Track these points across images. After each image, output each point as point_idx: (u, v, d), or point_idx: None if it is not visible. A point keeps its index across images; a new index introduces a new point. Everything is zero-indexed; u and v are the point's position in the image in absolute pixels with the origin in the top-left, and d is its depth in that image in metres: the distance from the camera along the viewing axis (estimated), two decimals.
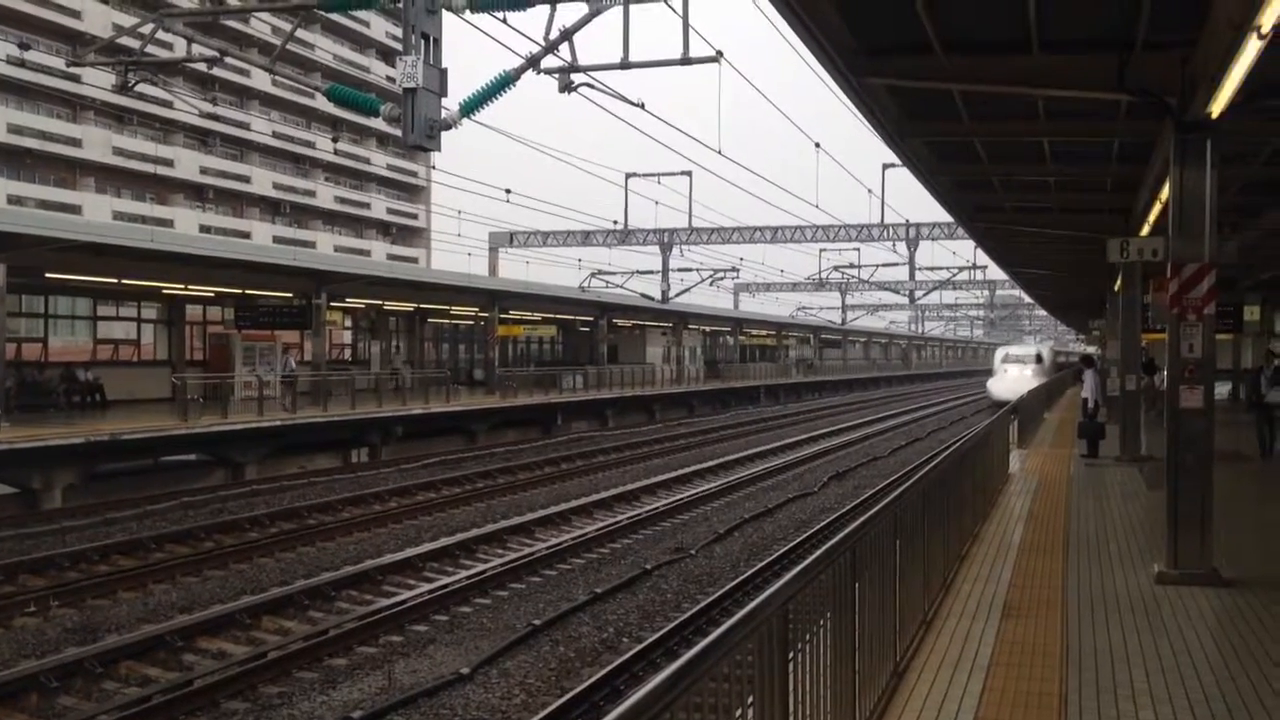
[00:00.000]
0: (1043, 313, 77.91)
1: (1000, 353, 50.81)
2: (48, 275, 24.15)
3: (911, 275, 47.94)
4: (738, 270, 51.43)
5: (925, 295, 65.61)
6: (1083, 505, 12.86)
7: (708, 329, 63.52)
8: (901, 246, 45.11)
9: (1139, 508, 12.65)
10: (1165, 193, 10.34)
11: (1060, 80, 9.37)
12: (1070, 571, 8.90)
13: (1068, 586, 8.34)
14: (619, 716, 2.33)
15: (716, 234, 45.41)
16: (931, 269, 56.29)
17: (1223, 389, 27.05)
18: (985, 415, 30.94)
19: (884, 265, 52.65)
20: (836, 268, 56.52)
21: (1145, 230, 15.38)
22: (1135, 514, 12.20)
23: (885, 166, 39.16)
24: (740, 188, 30.88)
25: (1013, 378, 42.73)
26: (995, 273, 48.36)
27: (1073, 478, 15.62)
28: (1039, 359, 46.89)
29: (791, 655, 3.82)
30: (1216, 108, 7.90)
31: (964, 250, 51.93)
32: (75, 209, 53.80)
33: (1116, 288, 21.26)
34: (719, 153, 24.19)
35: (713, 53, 16.78)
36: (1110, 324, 26.53)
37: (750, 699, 3.51)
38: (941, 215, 27.85)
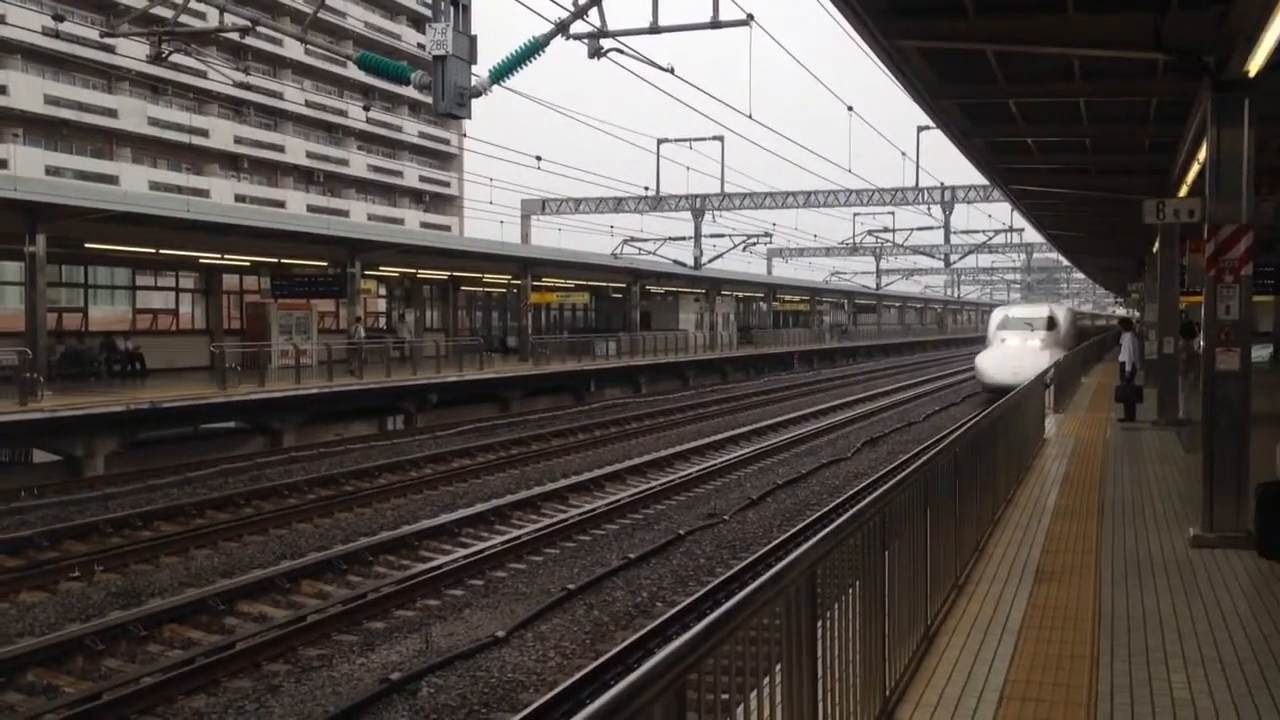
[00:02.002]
0: (1081, 276, 77.08)
1: (997, 315, 37.53)
2: (87, 245, 24.45)
3: (947, 239, 47.54)
4: (770, 235, 51.22)
5: (961, 259, 65.00)
6: (1118, 469, 12.79)
7: (741, 295, 63.35)
8: (936, 210, 44.75)
9: (1175, 471, 12.57)
10: (1202, 153, 10.20)
11: (1095, 39, 9.24)
12: (1105, 535, 8.88)
13: (1102, 550, 8.32)
14: (641, 677, 2.36)
15: (749, 199, 45.19)
16: (967, 232, 55.80)
17: (1262, 352, 26.50)
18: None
19: (919, 229, 52.30)
20: (871, 232, 56.18)
21: (1183, 191, 15.18)
22: (1171, 478, 12.13)
23: (920, 129, 38.82)
24: (772, 152, 30.75)
25: (1013, 351, 31.59)
26: (1032, 235, 47.48)
27: (1109, 442, 15.53)
28: (1050, 323, 34.27)
29: (820, 618, 3.85)
30: (1254, 66, 7.78)
31: (1000, 213, 51.47)
32: (112, 179, 54.27)
33: (1154, 250, 21.01)
34: (750, 117, 24.06)
35: (743, 16, 16.66)
36: (1148, 286, 26.24)
37: (779, 662, 3.55)
38: (977, 178, 27.59)
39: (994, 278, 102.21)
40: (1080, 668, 5.54)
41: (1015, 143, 16.09)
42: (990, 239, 55.49)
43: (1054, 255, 60.89)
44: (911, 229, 53.20)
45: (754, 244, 49.69)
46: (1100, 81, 11.80)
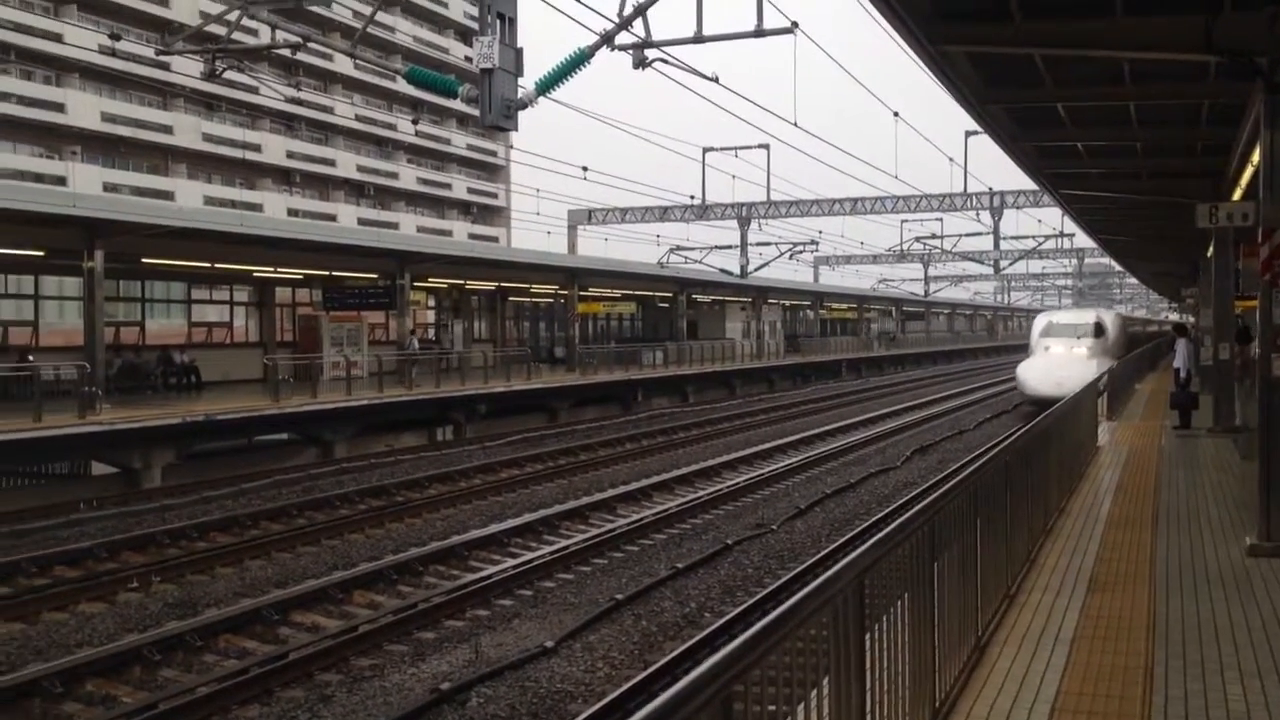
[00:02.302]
0: (1134, 281, 75.99)
1: (1040, 321, 34.62)
2: (144, 260, 24.89)
3: (996, 244, 47.17)
4: (817, 243, 51.06)
5: (1011, 265, 64.39)
6: (1174, 477, 12.60)
7: (787, 303, 63.14)
8: (985, 215, 44.37)
9: (1231, 479, 12.35)
10: (1256, 156, 10.04)
11: (1145, 42, 9.14)
12: (1159, 544, 8.75)
13: (1156, 559, 8.20)
14: (687, 687, 2.38)
15: (795, 207, 45.09)
16: (1017, 238, 55.30)
17: None
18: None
19: (967, 235, 51.90)
20: (918, 239, 55.79)
21: (1237, 194, 14.95)
22: (1228, 485, 11.93)
23: (967, 134, 38.49)
24: (818, 160, 30.59)
25: (1058, 360, 29.81)
26: (1083, 240, 46.87)
27: (1164, 449, 15.30)
28: (1098, 330, 31.93)
29: (869, 629, 3.84)
30: None
31: (1050, 218, 50.88)
32: (168, 195, 55.26)
33: (1209, 254, 20.68)
34: (795, 125, 24.00)
35: (787, 24, 16.64)
36: (1203, 291, 25.80)
37: (827, 674, 3.54)
38: (1026, 182, 27.37)
39: (1045, 283, 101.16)
40: (1134, 679, 5.47)
41: (1064, 147, 15.95)
42: (1040, 244, 54.95)
43: (1106, 260, 60.14)
44: (960, 235, 52.82)
45: (800, 252, 49.56)
46: (1150, 84, 11.68)
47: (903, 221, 53.46)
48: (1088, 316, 33.82)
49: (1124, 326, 36.20)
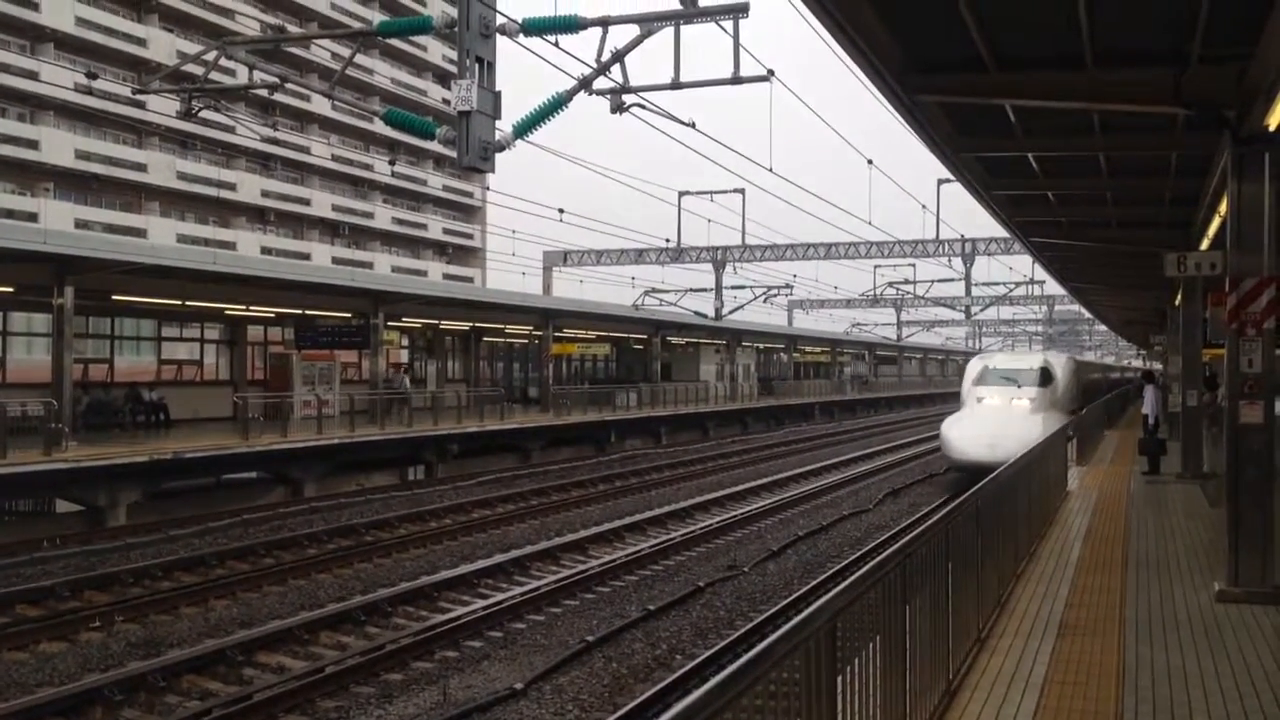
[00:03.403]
0: (1104, 328, 76.78)
1: (974, 366, 28.21)
2: (114, 297, 24.71)
3: (968, 291, 47.57)
4: (791, 287, 51.40)
5: (982, 311, 64.98)
6: (1143, 522, 12.67)
7: (761, 346, 63.37)
8: (957, 262, 44.90)
9: (1201, 525, 12.44)
10: (1224, 206, 10.21)
11: (1115, 94, 9.31)
12: (1129, 589, 8.79)
13: (1126, 604, 8.23)
14: None
15: (770, 251, 45.39)
16: (988, 284, 55.82)
17: None
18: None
19: (940, 281, 52.37)
20: (891, 284, 56.25)
21: (1205, 244, 15.16)
22: (1197, 531, 12.00)
23: (940, 182, 39.01)
24: (793, 205, 30.87)
25: (993, 416, 24.19)
26: (1054, 288, 47.43)
27: (1133, 495, 15.40)
28: (1045, 378, 26.06)
29: (840, 672, 3.83)
30: (1275, 120, 7.82)
31: (1021, 265, 51.45)
32: (140, 232, 54.97)
33: (1177, 302, 20.95)
34: (771, 170, 24.21)
35: (764, 72, 16.83)
36: (1171, 339, 26.10)
37: (798, 717, 3.52)
38: (998, 230, 27.63)
39: (1016, 330, 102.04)
40: None
41: (1035, 196, 16.15)
42: (1011, 291, 55.50)
43: (1076, 307, 60.77)
44: (932, 281, 53.28)
45: (775, 295, 49.89)
46: (1120, 135, 11.87)
47: (876, 266, 53.96)
48: (1032, 361, 27.58)
49: (1078, 373, 30.16)
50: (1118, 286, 29.25)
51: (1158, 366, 40.74)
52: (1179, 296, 20.09)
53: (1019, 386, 25.60)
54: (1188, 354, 18.95)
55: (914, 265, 51.60)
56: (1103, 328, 76.40)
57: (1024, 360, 27.97)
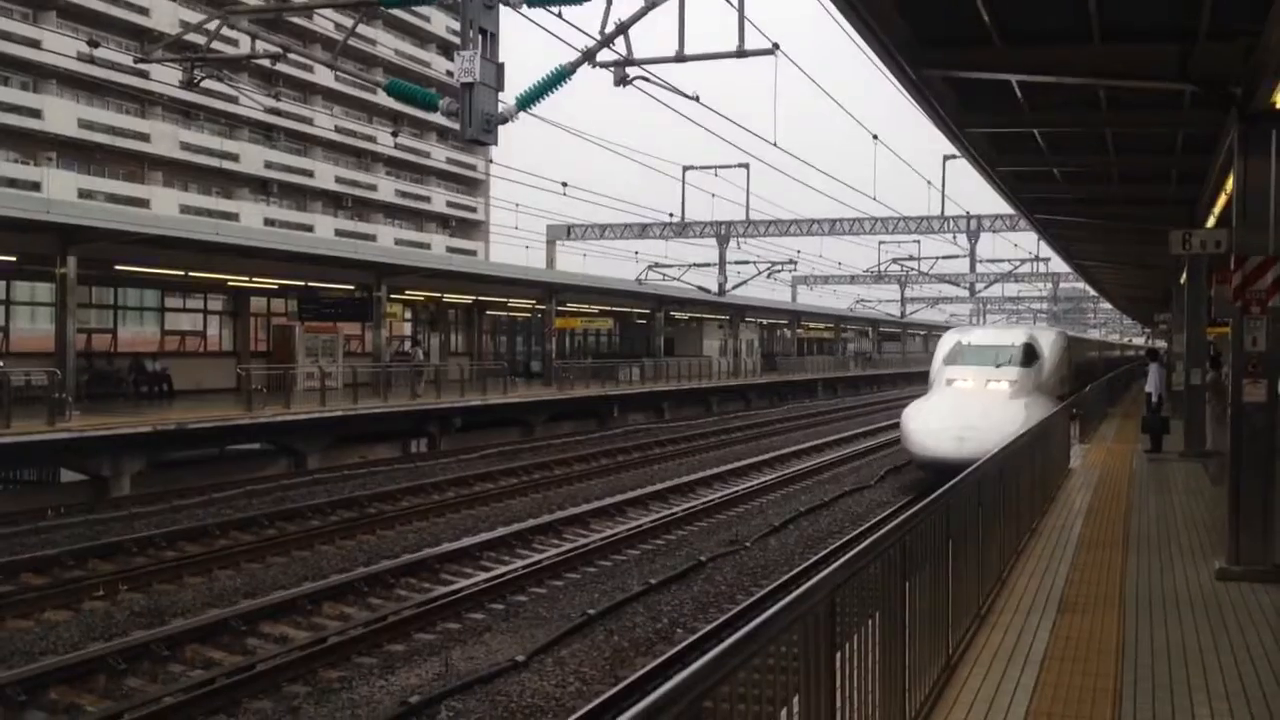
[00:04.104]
0: (1108, 306, 76.65)
1: (947, 342, 24.45)
2: (117, 267, 24.70)
3: (972, 268, 47.42)
4: (795, 263, 51.27)
5: (986, 288, 64.80)
6: (1144, 500, 12.69)
7: (765, 322, 63.31)
8: (962, 239, 44.72)
9: (1202, 503, 12.45)
10: (1230, 184, 10.17)
11: (1121, 70, 9.25)
12: (1130, 567, 8.81)
13: (1127, 582, 8.25)
14: (657, 701, 2.37)
15: (774, 226, 45.26)
16: (993, 261, 55.68)
17: None
18: None
19: (944, 257, 52.23)
20: (896, 260, 56.11)
21: (1211, 222, 15.12)
22: (1198, 509, 12.02)
23: (946, 158, 38.77)
24: (798, 180, 30.80)
25: (964, 402, 20.67)
26: (1059, 265, 47.23)
27: (1135, 473, 15.41)
28: (1028, 356, 22.37)
29: (839, 647, 3.84)
30: None
31: (1026, 242, 51.34)
32: (144, 203, 54.92)
33: (1182, 280, 20.89)
34: (775, 145, 24.11)
35: (769, 45, 16.72)
36: (1175, 317, 26.05)
37: (797, 692, 3.53)
38: (1003, 207, 27.53)
39: (1020, 307, 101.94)
40: (1103, 700, 5.50)
41: (1041, 172, 16.08)
42: (1016, 268, 55.34)
43: (1081, 285, 60.67)
44: (937, 257, 53.19)
45: (779, 271, 49.76)
46: (1126, 112, 11.80)
47: (880, 243, 53.87)
48: (1014, 336, 23.70)
49: (1069, 351, 26.11)
50: (1123, 264, 29.16)
51: (1162, 344, 40.63)
52: (1184, 274, 20.04)
53: (997, 366, 21.95)
54: (1192, 332, 18.91)
55: (919, 241, 51.52)
56: (1107, 305, 76.27)
57: (1005, 335, 24.22)
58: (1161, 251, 13.92)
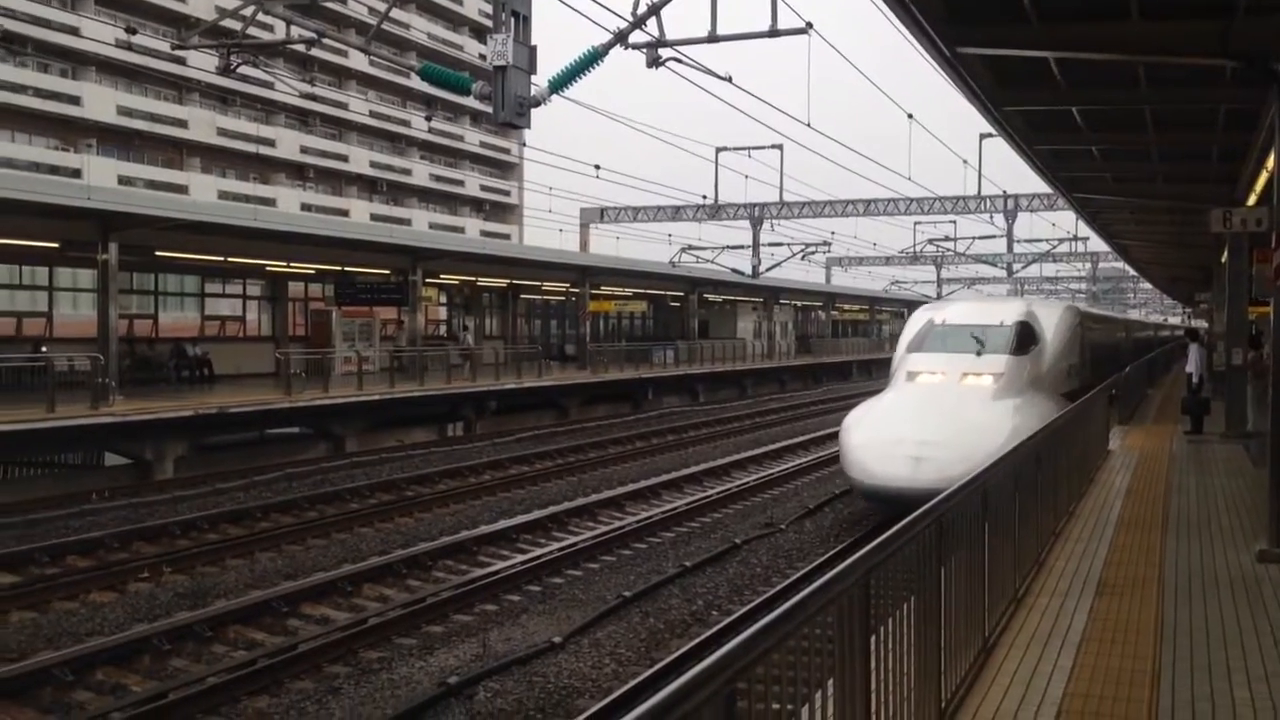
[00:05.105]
0: (1148, 286, 75.70)
1: (916, 321, 18.92)
2: (157, 254, 24.99)
3: (1010, 248, 46.95)
4: (829, 244, 50.94)
5: (1024, 268, 64.10)
6: (1184, 482, 12.57)
7: (799, 304, 63.03)
8: (999, 218, 44.18)
9: (1243, 485, 12.32)
10: (1271, 161, 10.02)
11: (1160, 46, 9.13)
12: (1169, 549, 8.74)
13: (1166, 564, 8.19)
14: (690, 680, 2.40)
15: (808, 208, 45.00)
16: (1030, 241, 55.04)
17: None
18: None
19: (981, 238, 51.62)
20: (931, 240, 55.59)
21: (1252, 200, 14.90)
22: (1239, 491, 11.89)
23: (982, 136, 38.28)
24: (831, 160, 30.52)
25: (925, 404, 15.78)
26: (1098, 244, 46.60)
27: (1175, 454, 15.26)
28: (1023, 339, 17.23)
29: (874, 628, 3.85)
30: None
31: (1064, 221, 50.63)
32: (182, 189, 55.35)
33: (1223, 259, 20.61)
34: (809, 125, 23.96)
35: (802, 24, 16.61)
36: (1216, 297, 25.70)
37: (831, 675, 3.55)
38: (1040, 185, 27.23)
39: (1058, 287, 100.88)
40: (1141, 682, 5.47)
41: (1078, 150, 15.92)
42: (1054, 248, 54.68)
43: (1121, 264, 59.90)
44: (973, 237, 52.55)
45: (812, 253, 49.44)
46: (1166, 88, 11.65)
47: (916, 223, 53.26)
48: (1005, 312, 18.00)
49: (1082, 332, 20.55)
50: (1163, 243, 28.80)
51: (1202, 324, 40.03)
52: (1225, 253, 19.77)
53: (979, 354, 16.56)
54: (1233, 311, 18.65)
55: (955, 222, 50.80)
56: (1147, 285, 75.34)
57: (992, 311, 18.30)
58: (1201, 230, 13.74)
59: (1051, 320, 18.51)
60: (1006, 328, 17.22)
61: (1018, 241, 47.47)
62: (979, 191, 42.17)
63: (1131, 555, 8.47)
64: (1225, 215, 11.85)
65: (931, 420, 14.65)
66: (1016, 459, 6.94)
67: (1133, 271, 60.18)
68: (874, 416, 15.81)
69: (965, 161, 39.00)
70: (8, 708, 8.35)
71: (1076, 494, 10.91)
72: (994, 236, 48.66)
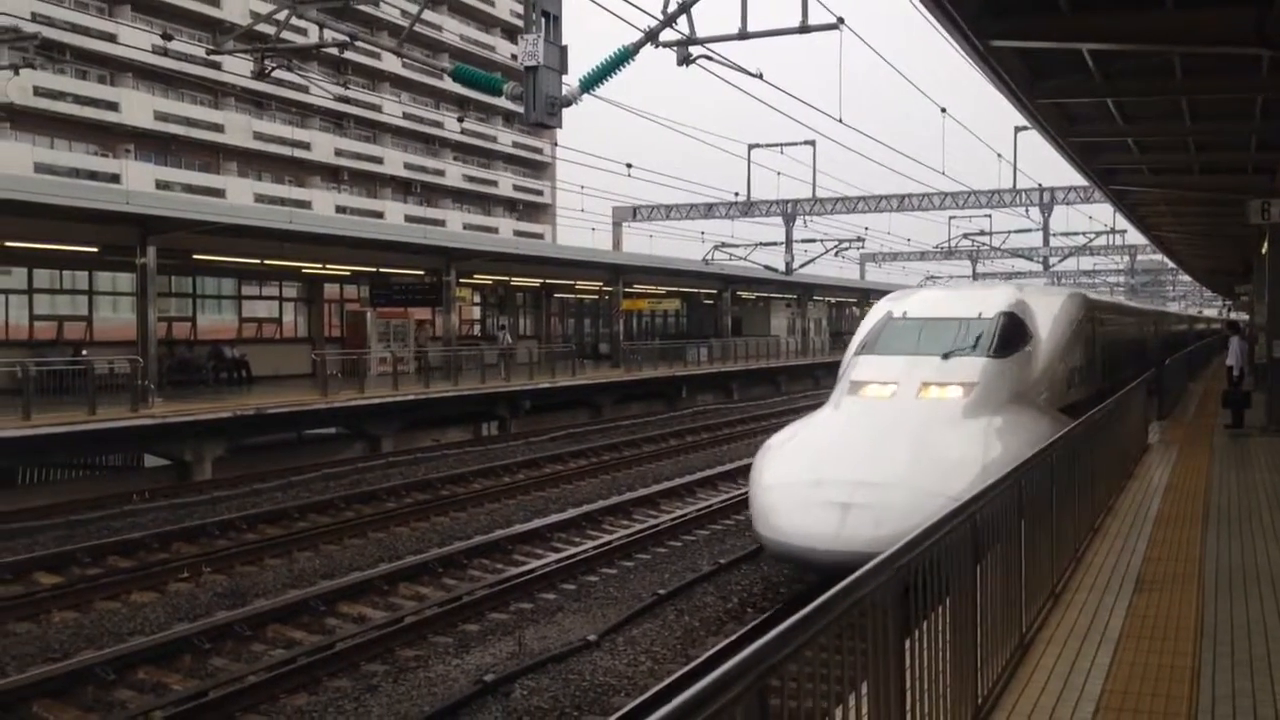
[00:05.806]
0: (1188, 278, 74.79)
1: (875, 314, 14.60)
2: (195, 257, 25.25)
3: (1046, 241, 46.55)
4: (863, 240, 50.67)
5: (1060, 262, 63.51)
6: (1225, 476, 12.41)
7: (833, 300, 62.78)
8: (1035, 212, 43.82)
9: None
10: None
11: (1196, 36, 9.03)
12: (1209, 544, 8.63)
13: (1206, 559, 8.09)
14: (722, 676, 2.40)
15: (841, 203, 44.81)
16: (1067, 234, 54.55)
17: None
18: None
19: (1016, 231, 51.18)
20: (966, 235, 55.17)
21: None
22: None
23: (1017, 129, 37.98)
24: (864, 156, 30.44)
25: (870, 424, 11.71)
26: (1135, 237, 46.08)
27: (1215, 448, 15.06)
28: (1008, 338, 12.98)
29: (909, 623, 3.83)
30: None
31: (1101, 214, 50.15)
32: (219, 192, 55.88)
33: (1263, 251, 20.32)
34: (841, 121, 23.87)
35: (833, 20, 16.55)
36: (1256, 288, 25.36)
37: (865, 669, 3.54)
38: (1076, 178, 26.97)
39: (1095, 280, 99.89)
40: (1181, 678, 5.42)
41: (1114, 142, 15.76)
42: (1091, 241, 54.15)
43: (1159, 257, 59.18)
44: (1009, 231, 52.09)
45: (846, 249, 49.21)
46: (1202, 79, 11.52)
47: (950, 218, 52.86)
48: (985, 303, 13.92)
49: (1091, 325, 16.58)
50: (1201, 234, 28.45)
51: (1243, 317, 39.47)
52: (1264, 244, 19.49)
53: (946, 357, 12.73)
54: (1273, 303, 18.39)
55: (990, 216, 50.39)
56: (1186, 278, 74.45)
57: (970, 300, 14.34)
58: (1241, 221, 13.56)
59: (1048, 312, 14.38)
60: (985, 321, 13.26)
61: (1054, 235, 47.03)
62: (1014, 185, 41.79)
63: (1171, 551, 8.38)
64: (1264, 206, 11.72)
65: (872, 451, 10.90)
66: (1053, 455, 6.88)
67: (1171, 264, 59.45)
68: (794, 446, 11.94)
69: (1000, 155, 38.69)
70: (51, 706, 8.48)
71: (1115, 488, 10.80)
72: (1030, 230, 48.26)
